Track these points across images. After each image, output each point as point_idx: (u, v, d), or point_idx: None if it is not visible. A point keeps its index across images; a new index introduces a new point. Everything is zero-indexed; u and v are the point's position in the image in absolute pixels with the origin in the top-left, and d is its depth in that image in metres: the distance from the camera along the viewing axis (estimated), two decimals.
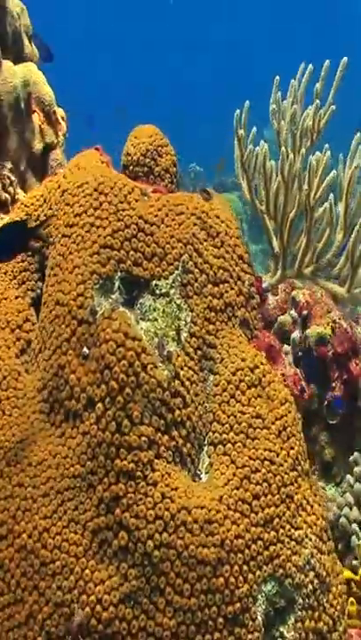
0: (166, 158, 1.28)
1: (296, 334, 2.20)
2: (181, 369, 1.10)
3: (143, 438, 1.07)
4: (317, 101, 1.16)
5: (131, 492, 1.07)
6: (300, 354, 2.19)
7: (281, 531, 1.17)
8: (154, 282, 1.12)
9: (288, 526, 1.18)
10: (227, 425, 1.15)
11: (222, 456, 1.15)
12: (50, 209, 1.21)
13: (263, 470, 1.15)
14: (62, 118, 1.53)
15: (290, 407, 1.20)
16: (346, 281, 1.17)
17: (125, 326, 1.04)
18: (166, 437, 1.09)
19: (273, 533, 1.16)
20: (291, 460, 1.19)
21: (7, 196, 1.31)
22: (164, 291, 1.12)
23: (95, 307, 1.06)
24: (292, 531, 1.19)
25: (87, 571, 1.09)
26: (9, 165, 1.34)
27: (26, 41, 1.52)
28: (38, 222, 1.20)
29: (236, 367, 1.15)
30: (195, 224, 1.16)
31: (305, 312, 2.14)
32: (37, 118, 1.45)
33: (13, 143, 1.38)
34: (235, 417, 1.15)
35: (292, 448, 1.19)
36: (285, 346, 2.26)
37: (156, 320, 1.09)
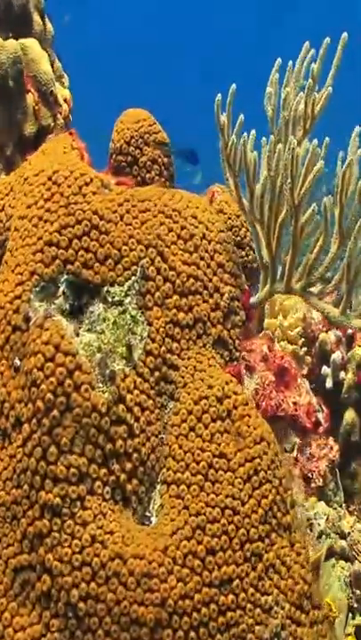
0: (154, 147, 1.13)
1: (337, 355, 1.97)
2: (129, 392, 0.95)
3: (72, 470, 0.93)
4: (310, 81, 0.97)
5: (55, 530, 0.94)
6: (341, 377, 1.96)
7: (242, 595, 0.99)
8: (105, 288, 0.97)
9: (252, 590, 1.00)
10: (182, 463, 0.99)
11: (175, 499, 0.99)
12: (14, 198, 1.08)
13: (223, 521, 0.98)
14: (65, 100, 1.41)
15: (266, 447, 1.02)
16: (341, 301, 0.98)
17: (57, 338, 0.90)
18: (104, 471, 0.95)
19: (231, 597, 0.99)
20: (262, 510, 1.01)
21: None
22: (117, 299, 0.97)
23: (29, 312, 0.93)
24: (258, 595, 1.01)
25: (7, 614, 0.97)
26: None
27: (36, 17, 1.41)
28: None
29: (199, 395, 0.99)
30: (161, 223, 1.00)
31: (350, 330, 1.91)
32: (32, 99, 1.34)
33: None
34: (192, 454, 0.98)
35: (265, 497, 1.01)
36: (325, 367, 2.04)
37: (102, 333, 0.95)
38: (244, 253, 1.21)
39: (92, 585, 0.94)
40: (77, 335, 0.95)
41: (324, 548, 1.43)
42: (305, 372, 1.88)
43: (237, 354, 1.06)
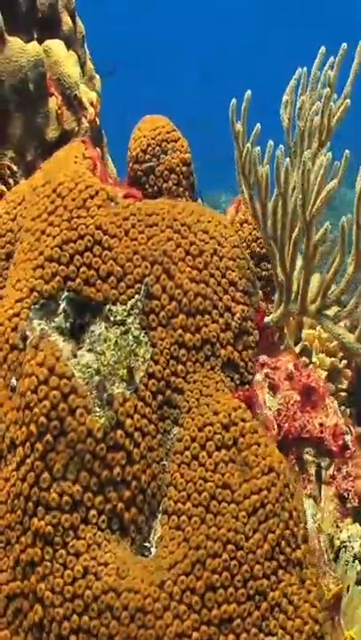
0: (173, 156, 1.08)
1: None
2: (129, 416, 0.91)
3: (65, 498, 0.89)
4: (327, 89, 0.90)
5: (47, 559, 0.91)
6: None
7: (243, 635, 0.94)
8: (108, 306, 0.93)
9: (255, 630, 0.95)
10: (184, 493, 0.94)
11: (174, 530, 0.94)
12: (25, 208, 1.06)
13: (225, 556, 0.93)
14: (91, 104, 1.37)
15: (275, 479, 0.96)
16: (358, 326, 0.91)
17: (52, 360, 0.87)
18: (99, 499, 0.91)
19: (232, 637, 0.94)
20: (268, 546, 0.95)
21: (4, 188, 1.18)
22: (119, 318, 0.93)
23: (27, 331, 0.90)
24: (261, 636, 0.96)
25: None
26: (10, 154, 1.21)
27: (65, 17, 1.38)
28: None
29: (203, 422, 0.94)
30: (169, 239, 0.95)
31: None
32: (55, 102, 1.30)
33: (17, 129, 1.25)
34: (195, 484, 0.93)
35: (272, 531, 0.96)
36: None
37: (103, 354, 0.91)
38: (270, 266, 1.15)
39: (85, 618, 0.91)
40: (75, 356, 0.91)
41: (352, 574, 1.35)
42: (344, 385, 1.79)
43: (250, 376, 1.01)
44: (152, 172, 1.09)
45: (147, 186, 1.10)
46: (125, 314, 0.93)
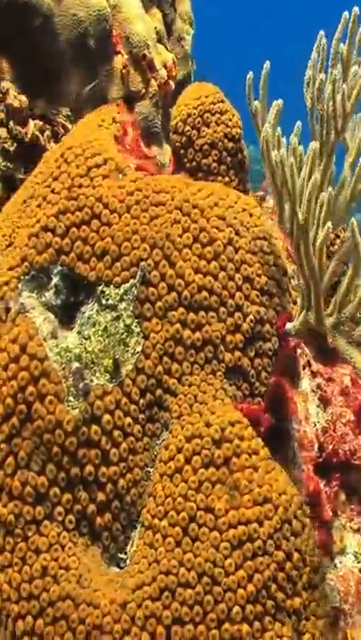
0: (215, 129, 0.99)
1: None
2: (109, 412, 0.85)
3: (28, 488, 0.85)
4: (338, 68, 0.74)
5: (8, 550, 0.87)
6: None
7: None
8: (100, 287, 0.86)
9: None
10: (162, 508, 0.86)
11: (148, 548, 0.87)
12: (40, 173, 1.02)
13: (198, 589, 0.85)
14: (165, 66, 1.30)
15: (270, 512, 0.86)
16: None
17: (25, 338, 0.83)
18: (67, 497, 0.86)
19: None
20: (253, 587, 0.86)
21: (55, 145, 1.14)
22: (110, 302, 0.86)
23: (10, 303, 0.86)
24: None
25: None
26: (65, 112, 1.17)
27: None
28: None
29: (193, 432, 0.85)
30: (176, 221, 0.86)
31: None
32: (120, 61, 1.25)
33: (74, 86, 1.20)
34: (174, 500, 0.85)
35: (259, 572, 0.86)
36: None
37: (88, 338, 0.85)
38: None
39: (39, 622, 0.87)
40: (56, 337, 0.85)
41: None
42: None
43: (262, 388, 0.90)
44: (190, 145, 1.00)
45: (185, 160, 1.02)
46: (118, 298, 0.86)
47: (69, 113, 1.18)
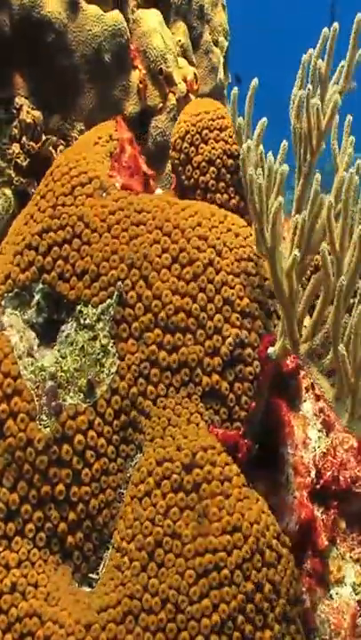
0: (214, 146, 0.99)
1: None
2: (80, 432, 0.86)
3: (0, 504, 0.87)
4: (307, 88, 0.71)
5: None
6: None
7: None
8: (79, 307, 0.88)
9: None
10: (130, 531, 0.87)
11: (115, 570, 0.88)
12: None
13: (161, 615, 0.85)
14: (185, 79, 1.30)
15: (239, 541, 0.85)
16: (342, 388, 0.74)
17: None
18: (38, 514, 0.88)
19: None
20: (217, 617, 0.85)
21: None
22: (88, 322, 0.87)
23: None
24: None
25: None
26: (79, 126, 1.20)
27: None
28: None
29: (164, 456, 0.85)
30: (155, 242, 0.86)
31: None
32: (137, 76, 1.26)
33: (88, 102, 1.23)
34: (142, 524, 0.86)
35: (225, 602, 0.85)
36: None
37: (64, 358, 0.86)
38: None
39: (7, 637, 0.89)
40: (32, 356, 0.87)
41: None
42: None
43: (242, 413, 0.89)
44: (188, 162, 1.00)
45: (183, 177, 1.02)
46: (95, 318, 0.87)
47: (83, 128, 1.21)
